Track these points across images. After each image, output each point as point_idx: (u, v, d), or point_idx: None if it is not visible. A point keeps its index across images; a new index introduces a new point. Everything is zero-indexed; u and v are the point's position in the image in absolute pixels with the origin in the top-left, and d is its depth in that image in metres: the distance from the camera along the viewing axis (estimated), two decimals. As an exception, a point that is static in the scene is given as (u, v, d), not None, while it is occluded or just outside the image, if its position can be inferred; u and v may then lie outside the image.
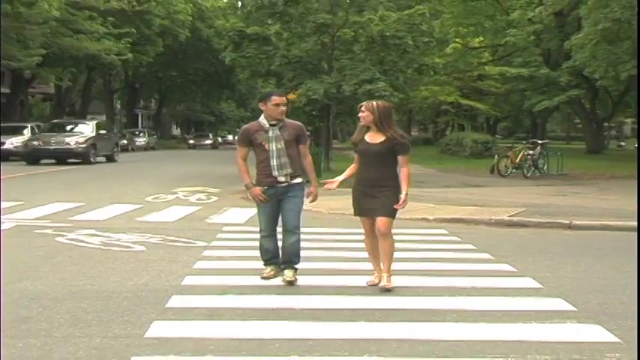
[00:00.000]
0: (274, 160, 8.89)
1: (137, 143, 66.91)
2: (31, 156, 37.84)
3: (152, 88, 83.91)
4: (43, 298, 8.52)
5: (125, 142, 61.11)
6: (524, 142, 35.42)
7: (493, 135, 57.02)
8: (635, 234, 14.95)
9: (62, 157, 38.13)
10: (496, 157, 31.98)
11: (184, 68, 73.11)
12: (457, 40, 52.74)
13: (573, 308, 8.31)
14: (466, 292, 9.01)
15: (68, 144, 38.21)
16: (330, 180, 9.32)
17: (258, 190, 9.03)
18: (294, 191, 9.11)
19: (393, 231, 9.17)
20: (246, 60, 34.45)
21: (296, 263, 9.29)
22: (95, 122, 44.39)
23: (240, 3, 37.98)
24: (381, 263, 8.99)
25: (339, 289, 8.92)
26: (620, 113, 60.01)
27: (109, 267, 10.53)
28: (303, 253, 9.78)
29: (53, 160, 38.15)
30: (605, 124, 55.35)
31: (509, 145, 34.12)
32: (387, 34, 31.82)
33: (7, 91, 60.45)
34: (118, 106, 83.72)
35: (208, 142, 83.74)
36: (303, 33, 32.67)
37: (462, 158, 40.90)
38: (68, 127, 42.27)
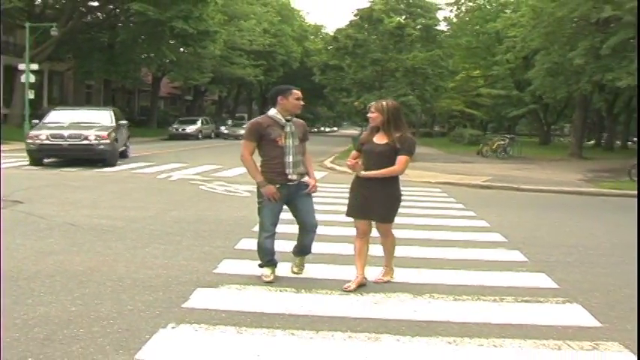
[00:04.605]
0: (290, 157, 5.54)
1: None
2: (36, 155, 17.29)
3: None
4: (181, 222, 8.64)
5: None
6: (498, 136, 34.76)
7: (484, 131, 55.78)
8: (559, 195, 14.61)
9: (78, 156, 17.45)
10: (481, 145, 31.51)
11: (295, 85, 73.51)
12: (463, 71, 52.09)
13: (505, 240, 8.12)
14: (441, 228, 8.84)
15: (87, 139, 17.14)
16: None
17: (272, 188, 5.55)
18: (304, 189, 5.75)
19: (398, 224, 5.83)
20: (327, 80, 35.21)
21: (308, 252, 5.98)
22: (112, 109, 20.79)
23: (329, 47, 38.30)
24: (384, 257, 5.83)
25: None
26: (561, 120, 59.38)
27: (224, 205, 10.61)
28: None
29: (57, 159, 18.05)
30: (552, 127, 54.36)
31: (489, 138, 33.55)
32: (417, 66, 31.78)
33: (191, 98, 62.53)
34: (255, 107, 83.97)
35: None
36: (364, 64, 32.79)
37: (462, 145, 40.19)
38: (81, 116, 19.14)
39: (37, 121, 19.59)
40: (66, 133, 17.25)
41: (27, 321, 4.36)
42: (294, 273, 5.91)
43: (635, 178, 17.19)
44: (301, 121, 5.87)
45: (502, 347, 4.14)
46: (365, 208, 5.56)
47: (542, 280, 5.98)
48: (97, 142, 17.25)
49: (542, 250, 7.49)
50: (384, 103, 5.56)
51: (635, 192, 14.68)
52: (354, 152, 5.83)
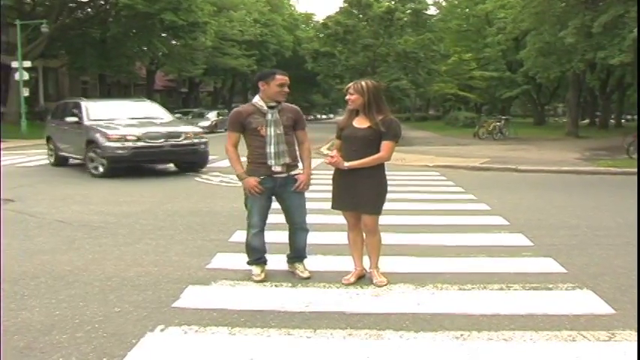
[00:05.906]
0: (271, 147, 4.96)
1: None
2: (124, 161, 12.88)
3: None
4: (174, 215, 8.34)
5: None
6: (494, 117, 34.40)
7: (479, 113, 55.34)
8: (558, 175, 14.30)
9: (177, 161, 14.11)
10: (477, 126, 31.20)
11: (289, 73, 73.03)
12: (455, 54, 51.70)
13: (507, 223, 7.83)
14: (441, 213, 8.54)
15: (188, 137, 13.52)
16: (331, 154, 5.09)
17: (253, 180, 4.99)
18: (293, 184, 5.14)
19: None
20: (320, 68, 34.79)
21: (305, 257, 5.40)
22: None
23: (320, 34, 37.99)
24: (369, 258, 5.18)
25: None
26: (554, 100, 59.11)
27: (219, 196, 10.26)
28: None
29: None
30: (546, 107, 54.02)
31: (485, 120, 33.21)
32: (408, 50, 31.49)
33: (186, 90, 61.95)
34: (251, 97, 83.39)
35: None
36: (356, 50, 32.45)
37: (457, 127, 39.81)
38: (133, 110, 14.84)
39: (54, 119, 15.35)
40: (163, 130, 13.43)
41: (8, 328, 4.07)
42: (303, 276, 5.24)
43: (634, 156, 16.91)
44: (294, 107, 5.24)
45: (513, 340, 3.82)
46: (350, 199, 5.02)
47: (549, 265, 5.66)
48: (198, 141, 13.74)
49: (545, 233, 7.18)
50: (364, 83, 4.94)
51: (635, 170, 14.40)
52: (336, 142, 5.19)
